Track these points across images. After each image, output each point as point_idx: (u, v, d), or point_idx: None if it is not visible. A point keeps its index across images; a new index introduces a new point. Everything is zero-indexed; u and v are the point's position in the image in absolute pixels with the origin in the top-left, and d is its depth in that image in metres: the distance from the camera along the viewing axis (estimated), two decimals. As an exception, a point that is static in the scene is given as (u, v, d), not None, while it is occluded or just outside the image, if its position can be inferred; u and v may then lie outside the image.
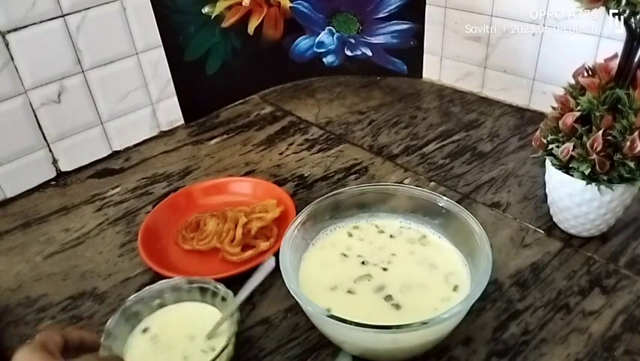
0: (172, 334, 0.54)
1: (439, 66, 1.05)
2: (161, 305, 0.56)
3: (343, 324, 0.46)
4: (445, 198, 0.60)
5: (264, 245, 0.66)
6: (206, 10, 0.93)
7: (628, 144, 0.55)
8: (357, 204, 0.63)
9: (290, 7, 1.02)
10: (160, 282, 0.57)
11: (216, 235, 0.67)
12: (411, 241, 0.61)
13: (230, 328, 0.52)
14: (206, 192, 0.77)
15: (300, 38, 1.07)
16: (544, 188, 0.67)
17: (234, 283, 0.56)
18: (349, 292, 0.55)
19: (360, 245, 0.61)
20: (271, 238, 0.67)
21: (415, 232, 0.62)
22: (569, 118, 0.58)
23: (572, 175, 0.59)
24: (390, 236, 0.62)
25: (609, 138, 0.56)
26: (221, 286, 0.55)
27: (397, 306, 0.53)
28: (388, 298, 0.54)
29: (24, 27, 0.74)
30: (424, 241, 0.61)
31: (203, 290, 0.56)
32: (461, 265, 0.57)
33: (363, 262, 0.58)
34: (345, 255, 0.60)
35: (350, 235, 0.62)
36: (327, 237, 0.62)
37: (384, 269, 0.57)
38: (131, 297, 0.55)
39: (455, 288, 0.54)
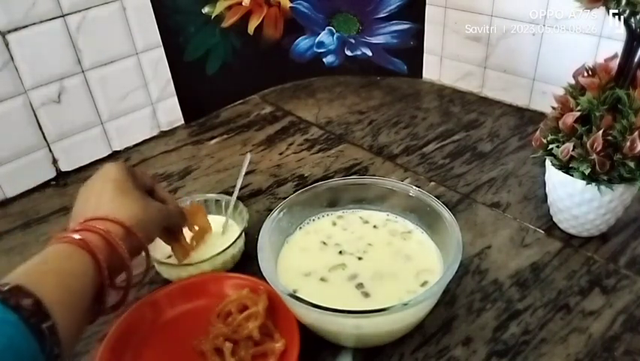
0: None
1: (439, 66, 1.05)
2: None
3: (301, 304, 0.48)
4: (414, 187, 0.61)
5: (278, 346, 0.51)
6: (206, 10, 0.93)
7: (628, 144, 0.55)
8: (342, 196, 0.65)
9: (290, 7, 1.02)
10: None
11: None
12: (393, 233, 0.62)
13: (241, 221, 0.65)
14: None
15: (300, 38, 1.06)
16: (544, 188, 0.67)
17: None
18: (322, 279, 0.56)
19: (341, 234, 0.62)
20: (275, 333, 0.53)
21: (401, 225, 0.62)
22: (569, 118, 0.58)
23: (572, 175, 0.59)
24: (374, 227, 0.63)
25: (609, 137, 0.56)
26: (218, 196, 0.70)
27: (366, 294, 0.54)
28: (359, 286, 0.55)
29: (24, 27, 0.74)
30: (406, 236, 0.61)
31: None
32: (438, 266, 0.57)
33: (340, 252, 0.59)
34: (324, 243, 0.61)
35: (334, 223, 0.63)
36: (314, 223, 0.63)
37: (360, 258, 0.59)
38: None
39: (424, 284, 0.55)
